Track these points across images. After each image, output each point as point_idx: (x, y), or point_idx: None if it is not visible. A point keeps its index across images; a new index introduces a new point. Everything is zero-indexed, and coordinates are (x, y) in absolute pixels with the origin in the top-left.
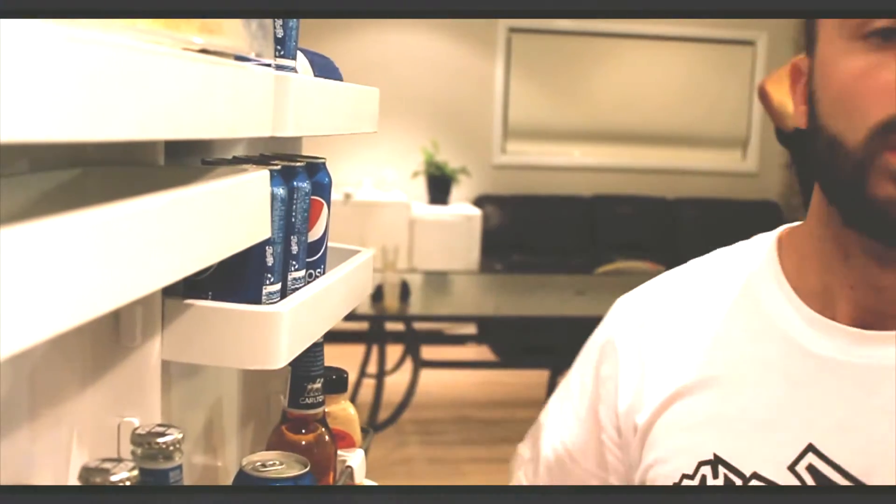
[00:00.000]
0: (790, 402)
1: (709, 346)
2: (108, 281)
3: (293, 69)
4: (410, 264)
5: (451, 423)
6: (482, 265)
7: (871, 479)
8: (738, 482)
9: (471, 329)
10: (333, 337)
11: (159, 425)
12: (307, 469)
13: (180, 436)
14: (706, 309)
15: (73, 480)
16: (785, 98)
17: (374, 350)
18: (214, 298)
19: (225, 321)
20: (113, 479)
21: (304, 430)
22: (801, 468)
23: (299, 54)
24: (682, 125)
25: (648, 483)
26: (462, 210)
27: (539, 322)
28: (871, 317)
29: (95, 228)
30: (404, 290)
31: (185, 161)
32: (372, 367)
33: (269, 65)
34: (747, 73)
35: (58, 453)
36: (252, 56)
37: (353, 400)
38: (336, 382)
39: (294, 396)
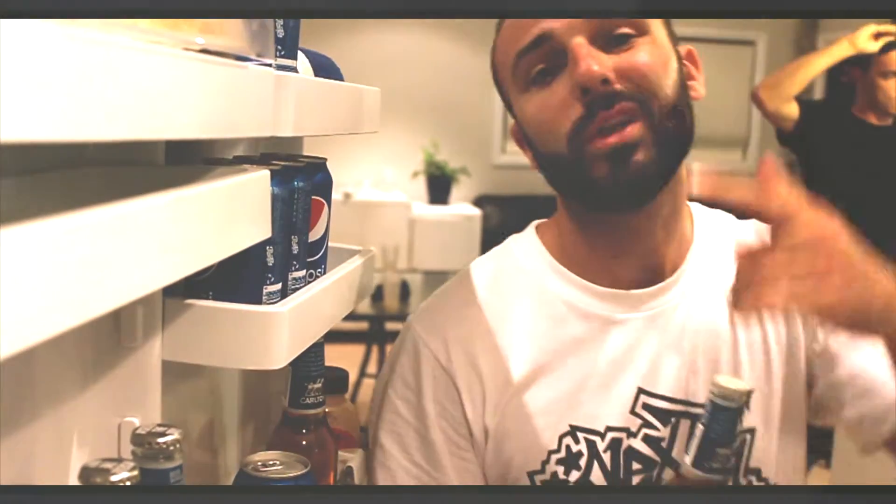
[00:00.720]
0: (610, 363)
1: (524, 343)
2: (108, 281)
3: (294, 69)
4: (410, 264)
5: None
6: None
7: (694, 396)
8: (597, 439)
9: None
10: (333, 337)
11: (160, 425)
12: (308, 469)
13: (180, 436)
14: (504, 311)
15: (74, 480)
16: (779, 102)
17: (374, 350)
18: (215, 298)
19: (225, 321)
20: (113, 478)
21: (304, 430)
22: (638, 409)
23: (300, 54)
24: None
25: (513, 475)
26: (462, 210)
27: None
28: (641, 274)
29: (96, 228)
30: (404, 290)
31: (185, 161)
32: (372, 367)
33: (269, 65)
34: (747, 73)
35: (58, 453)
36: (253, 56)
37: (353, 400)
38: (337, 382)
39: (294, 396)
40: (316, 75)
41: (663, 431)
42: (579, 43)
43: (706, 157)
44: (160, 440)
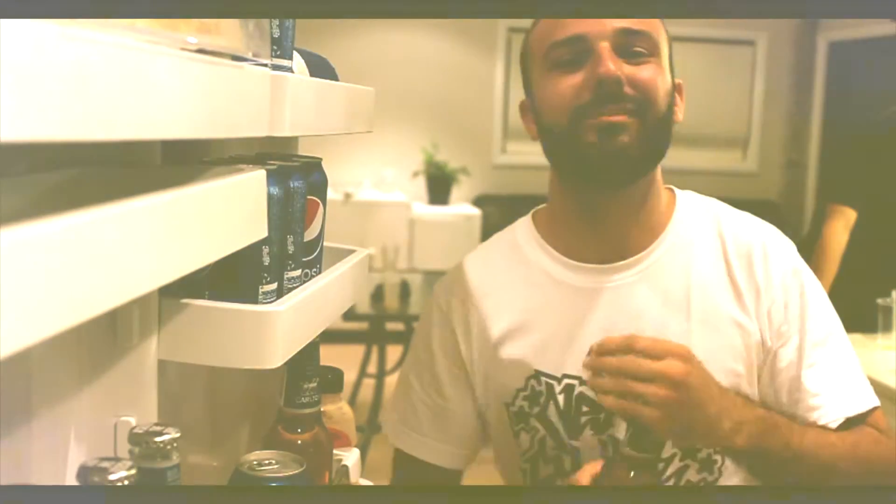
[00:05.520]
0: (571, 323)
1: (510, 303)
2: (105, 281)
3: (289, 69)
4: (410, 264)
5: None
6: None
7: None
8: (554, 383)
9: None
10: (333, 337)
11: (156, 424)
12: (303, 468)
13: (177, 435)
14: (498, 276)
15: (70, 479)
16: None
17: (374, 350)
18: (211, 298)
19: (221, 321)
20: (111, 477)
21: (299, 430)
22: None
23: (295, 54)
24: (682, 125)
25: (495, 405)
26: (462, 210)
27: None
28: (607, 254)
29: (93, 228)
30: (404, 290)
31: (181, 161)
32: (372, 367)
33: (265, 65)
34: (747, 73)
35: (55, 453)
36: (249, 56)
37: (353, 400)
38: (332, 382)
39: (290, 396)
40: (311, 75)
41: None
42: (605, 47)
43: (706, 158)
44: (157, 439)
